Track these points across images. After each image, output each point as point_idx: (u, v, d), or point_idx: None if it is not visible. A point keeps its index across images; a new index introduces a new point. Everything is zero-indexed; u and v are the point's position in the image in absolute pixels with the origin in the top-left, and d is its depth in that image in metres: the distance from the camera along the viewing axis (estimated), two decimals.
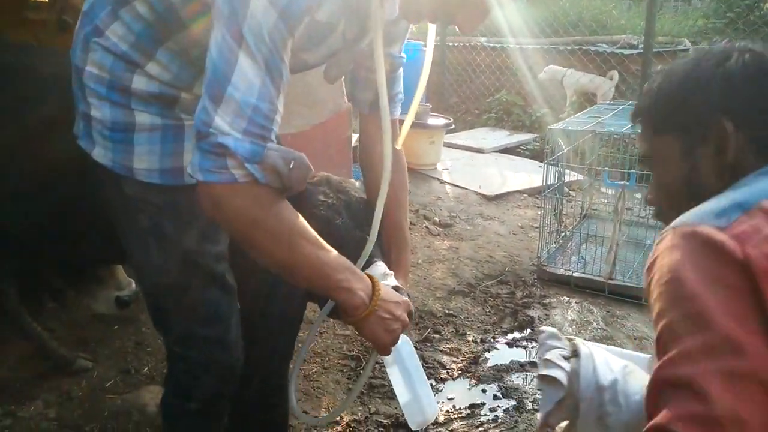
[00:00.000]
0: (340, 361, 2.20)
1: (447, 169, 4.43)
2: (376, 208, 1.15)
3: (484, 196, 3.90)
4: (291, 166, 0.88)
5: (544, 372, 1.01)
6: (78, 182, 1.19)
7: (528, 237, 3.37)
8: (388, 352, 1.11)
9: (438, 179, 4.19)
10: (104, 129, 1.05)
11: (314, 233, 0.97)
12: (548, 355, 1.02)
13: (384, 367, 1.39)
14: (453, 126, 4.50)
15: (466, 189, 4.00)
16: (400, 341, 1.32)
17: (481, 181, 4.10)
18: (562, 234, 3.23)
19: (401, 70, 1.37)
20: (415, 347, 2.30)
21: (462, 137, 5.41)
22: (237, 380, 1.24)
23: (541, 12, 6.59)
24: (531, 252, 3.13)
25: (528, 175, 4.34)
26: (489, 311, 2.60)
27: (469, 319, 2.52)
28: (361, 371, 1.25)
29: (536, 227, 3.37)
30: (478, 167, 4.53)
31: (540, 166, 4.12)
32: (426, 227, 3.35)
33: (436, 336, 2.38)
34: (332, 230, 1.34)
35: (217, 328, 1.16)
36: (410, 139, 4.34)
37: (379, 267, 1.28)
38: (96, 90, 1.04)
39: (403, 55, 1.36)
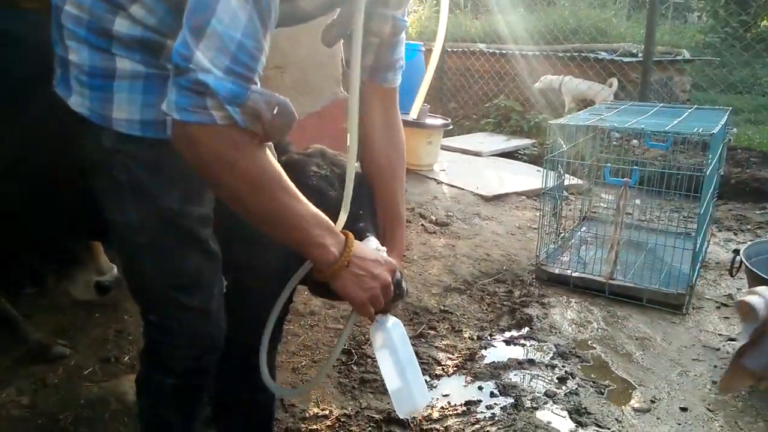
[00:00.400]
0: (330, 354, 2.11)
1: (444, 170, 4.37)
2: (346, 179, 1.09)
3: (481, 196, 3.83)
4: (275, 111, 0.82)
5: (743, 298, 0.92)
6: (57, 145, 1.12)
7: (526, 237, 3.30)
8: (366, 312, 1.05)
9: (435, 179, 4.13)
10: (82, 74, 0.97)
11: (293, 186, 0.92)
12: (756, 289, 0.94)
13: (376, 361, 1.31)
14: (451, 126, 4.44)
15: (464, 189, 3.93)
16: (390, 323, 1.24)
17: (478, 183, 4.04)
18: (561, 235, 3.17)
19: (404, 34, 1.30)
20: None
21: (460, 141, 5.36)
22: (218, 354, 1.16)
23: (540, 19, 6.59)
24: (529, 252, 3.06)
25: (526, 177, 4.28)
26: (486, 309, 2.52)
27: (466, 316, 2.43)
28: (340, 335, 1.16)
29: (534, 228, 3.31)
30: (476, 169, 4.47)
31: (538, 170, 4.08)
32: (422, 225, 3.27)
33: (431, 332, 2.29)
34: (324, 202, 1.26)
35: (197, 295, 1.07)
36: (408, 139, 4.29)
37: (371, 242, 1.21)
38: (74, 31, 0.96)
39: (406, 19, 1.29)
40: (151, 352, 1.14)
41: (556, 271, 2.78)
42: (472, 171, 4.40)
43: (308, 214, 0.93)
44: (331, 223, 0.99)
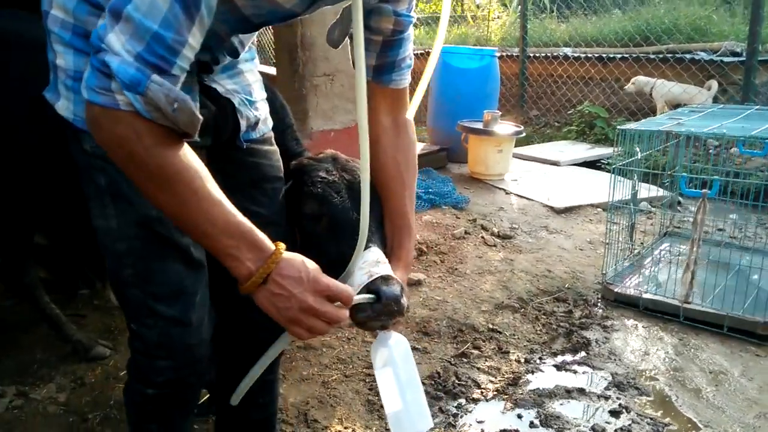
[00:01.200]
0: (364, 369, 2.03)
1: (516, 180, 4.17)
2: (361, 191, 1.01)
3: (551, 208, 3.60)
4: (174, 106, 0.78)
5: None
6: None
7: (596, 253, 3.05)
8: (295, 334, 0.95)
9: (504, 190, 3.94)
10: (67, 78, 0.98)
11: (210, 188, 0.86)
12: None
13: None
14: (523, 134, 4.23)
15: (533, 200, 3.72)
16: (392, 340, 1.15)
17: (550, 193, 3.81)
18: (635, 252, 2.89)
19: (410, 31, 1.21)
20: (449, 363, 2.12)
21: (537, 149, 5.11)
22: (202, 366, 1.12)
23: (631, 20, 6.18)
24: (597, 269, 2.82)
25: (605, 189, 3.97)
26: (539, 329, 2.33)
27: (515, 337, 2.27)
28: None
29: (607, 243, 3.05)
30: (551, 179, 4.23)
31: (620, 181, 3.78)
32: (482, 237, 3.12)
33: (475, 352, 2.15)
34: (327, 210, 1.20)
35: (176, 305, 1.04)
36: (477, 148, 4.17)
37: (372, 253, 1.12)
38: (60, 35, 0.97)
39: (413, 14, 1.20)
40: (133, 362, 1.12)
41: (625, 291, 2.53)
42: (546, 181, 4.16)
43: (221, 222, 0.86)
44: (258, 235, 0.91)
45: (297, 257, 0.95)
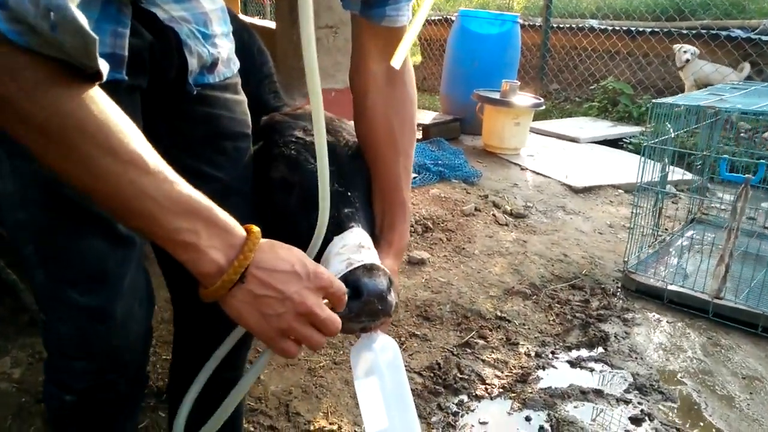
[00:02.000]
0: None
1: (532, 155, 3.91)
2: (317, 156, 0.78)
3: (569, 187, 3.35)
4: (52, 19, 0.52)
5: None
6: None
7: (617, 238, 2.81)
8: (279, 350, 0.73)
9: (519, 165, 3.69)
10: None
11: (139, 149, 0.62)
12: None
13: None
14: (543, 107, 3.95)
15: (550, 178, 3.47)
16: (378, 344, 0.93)
17: (568, 171, 3.55)
18: (660, 238, 2.65)
19: None
20: (451, 353, 1.90)
21: (556, 125, 4.83)
22: (136, 369, 0.91)
23: None
24: (617, 256, 2.59)
25: (628, 170, 3.71)
26: (553, 320, 2.11)
27: (526, 326, 2.05)
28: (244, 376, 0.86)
29: (628, 228, 2.81)
30: (569, 156, 3.96)
31: (647, 161, 3.52)
32: (493, 215, 2.88)
33: (480, 342, 1.94)
34: (300, 178, 0.97)
35: (96, 292, 0.82)
36: (493, 119, 3.89)
37: (354, 235, 0.90)
38: None
39: None
40: (48, 362, 0.90)
41: (648, 281, 2.30)
42: (565, 158, 3.90)
43: (163, 196, 0.63)
44: (220, 213, 0.68)
45: (277, 243, 0.73)
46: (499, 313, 2.10)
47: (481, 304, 2.14)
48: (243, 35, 1.15)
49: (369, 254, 0.87)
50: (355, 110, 1.02)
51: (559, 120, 5.13)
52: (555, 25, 5.97)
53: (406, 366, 1.73)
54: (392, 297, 0.85)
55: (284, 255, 0.71)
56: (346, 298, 0.78)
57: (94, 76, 0.59)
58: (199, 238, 0.65)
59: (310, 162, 0.96)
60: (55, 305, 0.82)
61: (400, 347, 1.85)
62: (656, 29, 5.23)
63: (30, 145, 0.59)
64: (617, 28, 5.50)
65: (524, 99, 3.87)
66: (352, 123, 1.07)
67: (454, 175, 3.22)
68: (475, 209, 2.90)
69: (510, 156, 3.85)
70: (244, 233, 0.70)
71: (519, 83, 3.90)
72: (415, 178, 3.07)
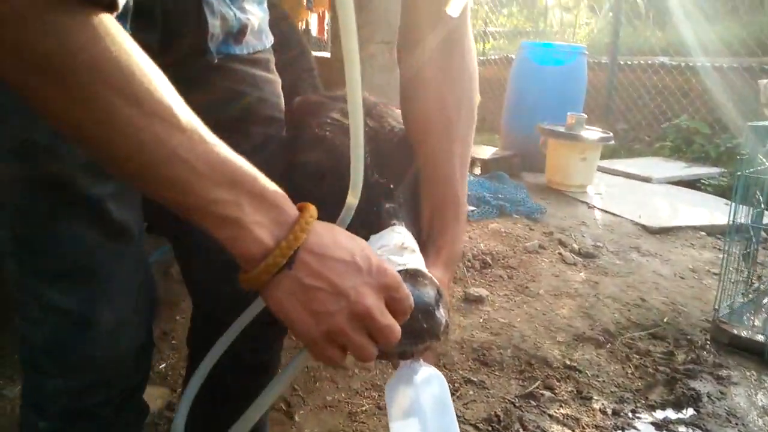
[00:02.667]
0: None
1: (600, 194, 3.63)
2: (350, 124, 0.64)
3: (644, 227, 3.06)
4: None
5: None
6: None
7: (702, 284, 2.49)
8: (322, 356, 0.59)
9: (586, 203, 3.42)
10: None
11: (170, 99, 0.49)
12: None
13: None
14: (612, 141, 3.69)
15: (621, 217, 3.18)
16: (421, 376, 0.74)
17: (642, 211, 3.26)
18: (754, 286, 2.33)
19: None
20: (512, 404, 1.65)
21: (625, 164, 4.54)
22: (119, 391, 0.74)
23: (744, 26, 5.49)
24: (704, 304, 2.28)
25: (709, 211, 3.39)
26: (631, 372, 1.83)
27: (600, 379, 1.78)
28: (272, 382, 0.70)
29: (715, 273, 2.50)
30: (642, 196, 3.66)
31: (727, 204, 3.20)
32: (559, 254, 2.63)
33: (547, 393, 1.68)
34: (334, 162, 0.80)
35: (79, 292, 0.66)
36: (557, 154, 3.65)
37: (395, 234, 0.72)
38: None
39: None
40: (24, 381, 0.75)
41: (743, 334, 1.98)
42: (637, 198, 3.61)
43: (198, 157, 0.49)
44: (267, 184, 0.55)
45: (337, 228, 0.61)
46: (568, 362, 1.84)
47: (548, 350, 1.88)
48: (281, 24, 1.02)
49: (413, 258, 0.69)
50: (402, 89, 0.85)
51: (628, 159, 4.83)
52: (622, 62, 5.72)
53: (459, 417, 1.50)
54: (441, 314, 0.67)
55: (344, 242, 0.57)
56: (412, 307, 0.61)
57: (109, 5, 0.44)
58: (243, 211, 0.52)
59: (346, 146, 0.79)
60: (28, 305, 0.67)
61: (453, 394, 1.62)
62: (735, 64, 4.90)
63: (27, 90, 0.46)
64: (690, 63, 5.20)
65: (592, 133, 3.63)
66: (399, 112, 0.90)
67: (515, 210, 3.00)
68: (539, 246, 2.66)
69: (576, 193, 3.59)
70: (295, 210, 0.56)
71: (586, 116, 3.67)
72: (473, 211, 2.86)
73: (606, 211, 3.29)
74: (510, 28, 9.43)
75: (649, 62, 5.54)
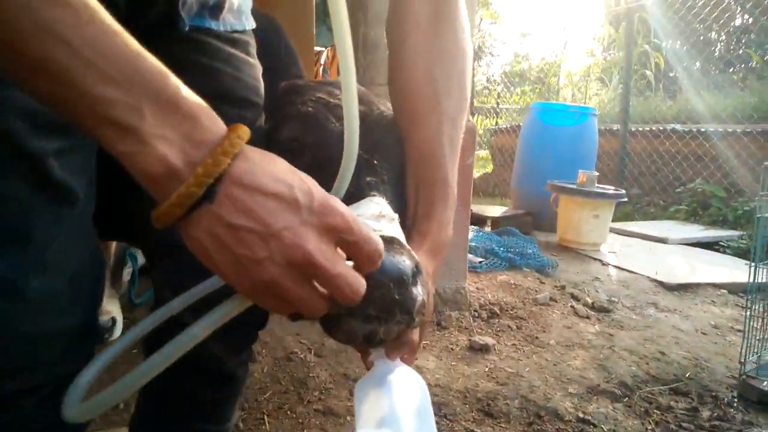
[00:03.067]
0: None
1: (614, 252, 3.52)
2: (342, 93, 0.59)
3: (661, 283, 2.92)
4: None
5: None
6: None
7: (725, 341, 2.33)
8: (277, 308, 0.51)
9: (600, 260, 3.31)
10: None
11: None
12: None
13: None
14: (624, 198, 3.62)
15: (637, 274, 3.06)
16: (397, 377, 0.65)
17: (658, 268, 3.13)
18: None
19: None
20: None
21: (639, 226, 4.44)
22: (52, 381, 0.65)
23: (754, 93, 5.52)
24: (729, 360, 2.12)
25: (729, 270, 3.26)
26: (652, 429, 1.67)
27: None
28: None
29: (738, 330, 2.35)
30: (658, 256, 3.54)
31: (747, 264, 3.08)
32: (571, 307, 2.50)
33: None
34: (314, 139, 0.75)
35: (6, 254, 0.58)
36: (569, 211, 3.57)
37: (373, 205, 0.66)
38: None
39: None
40: None
41: None
42: (653, 257, 3.49)
43: (85, 41, 0.41)
44: (184, 92, 0.47)
45: (276, 156, 0.51)
46: (581, 415, 1.68)
47: (558, 402, 1.73)
48: (268, 33, 1.00)
49: (391, 227, 0.62)
50: (390, 65, 0.81)
51: (643, 222, 4.73)
52: (633, 128, 5.75)
53: None
54: (418, 292, 0.58)
55: (281, 173, 0.48)
56: (382, 254, 0.53)
57: None
58: (143, 120, 0.43)
59: (331, 121, 0.74)
60: None
61: None
62: (748, 129, 4.88)
63: None
64: (702, 129, 5.19)
65: (603, 190, 3.57)
66: (389, 104, 0.86)
67: (525, 263, 2.89)
68: (550, 299, 2.54)
69: (589, 251, 3.48)
70: (220, 129, 0.47)
71: (597, 174, 3.62)
72: (480, 262, 2.77)
73: (621, 268, 3.17)
74: (522, 106, 9.64)
75: (661, 128, 5.55)
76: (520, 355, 2.00)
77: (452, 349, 1.98)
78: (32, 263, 0.59)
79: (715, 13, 6.03)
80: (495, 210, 4.02)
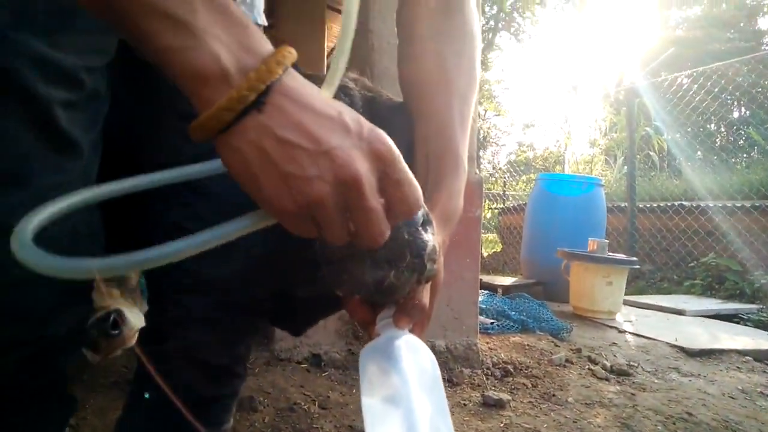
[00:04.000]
0: None
1: (631, 321, 3.41)
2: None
3: (682, 349, 2.80)
4: None
5: None
6: None
7: (755, 405, 2.19)
8: (293, 224, 0.47)
9: (616, 328, 3.20)
10: None
11: None
12: None
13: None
14: (637, 265, 3.55)
15: (656, 340, 2.94)
16: (405, 344, 0.61)
17: (678, 335, 3.01)
18: None
19: None
20: None
21: (655, 299, 4.33)
22: (32, 340, 0.60)
23: (758, 172, 5.58)
24: (762, 423, 1.98)
25: (752, 338, 3.13)
26: None
27: None
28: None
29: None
30: (676, 324, 3.42)
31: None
32: (589, 369, 2.38)
33: None
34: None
35: (3, 196, 0.56)
36: (581, 278, 3.51)
37: None
38: None
39: None
40: None
41: None
42: (671, 325, 3.37)
43: None
44: (234, 6, 0.46)
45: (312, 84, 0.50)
46: None
47: None
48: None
49: None
50: (399, 49, 0.82)
51: (658, 295, 4.62)
52: (641, 205, 5.76)
53: None
54: (429, 238, 0.55)
55: (328, 98, 0.47)
56: (421, 205, 0.50)
57: None
58: (195, 14, 0.42)
59: (342, 99, 0.74)
60: None
61: None
62: (757, 203, 4.88)
63: None
64: (711, 204, 5.20)
65: (615, 256, 3.52)
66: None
67: (539, 327, 2.79)
68: (566, 361, 2.42)
69: (604, 320, 3.37)
70: (269, 43, 0.46)
71: (608, 241, 3.58)
72: (492, 323, 2.68)
73: (638, 335, 3.05)
74: (528, 192, 9.77)
75: (669, 204, 5.56)
76: (537, 412, 1.87)
77: (464, 404, 1.87)
78: (30, 207, 0.57)
79: (713, 107, 6.22)
80: (506, 280, 3.96)
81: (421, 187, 0.73)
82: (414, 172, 0.74)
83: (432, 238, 0.57)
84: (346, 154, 0.45)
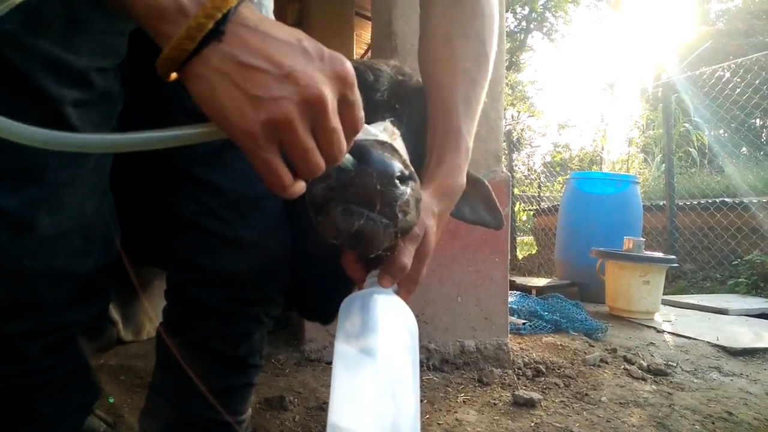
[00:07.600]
0: None
1: (670, 321, 3.32)
2: None
3: (723, 348, 2.71)
4: None
5: None
6: None
7: None
8: (266, 166, 0.48)
9: (654, 328, 3.12)
10: None
11: None
12: None
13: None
14: (675, 264, 3.46)
15: (696, 339, 2.86)
16: (384, 301, 0.63)
17: (719, 335, 2.92)
18: None
19: None
20: None
21: (696, 298, 4.21)
22: (54, 328, 0.63)
23: None
24: None
25: None
26: None
27: None
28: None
29: None
30: (718, 324, 3.32)
31: None
32: (624, 368, 2.33)
33: None
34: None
35: (21, 192, 0.59)
36: (617, 278, 3.44)
37: (379, 124, 0.68)
38: None
39: None
40: None
41: None
42: (713, 325, 3.27)
43: None
44: None
45: (273, 20, 0.52)
46: None
47: None
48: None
49: (389, 139, 0.63)
50: (419, 37, 0.86)
51: (700, 295, 4.49)
52: (681, 203, 5.60)
53: None
54: (404, 192, 0.57)
55: (284, 28, 0.49)
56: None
57: None
58: None
59: (368, 76, 0.78)
60: None
61: None
62: None
63: None
64: (755, 201, 5.02)
65: (652, 255, 3.43)
66: None
67: (572, 327, 2.75)
68: (601, 360, 2.38)
69: (642, 320, 3.30)
70: None
71: (644, 239, 3.50)
72: (524, 324, 2.65)
73: (677, 335, 2.97)
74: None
75: (710, 202, 5.40)
76: (569, 412, 1.85)
77: (495, 404, 1.85)
78: (44, 201, 0.60)
79: (755, 100, 6.00)
80: (540, 281, 3.91)
81: (424, 163, 0.76)
82: (423, 149, 0.78)
83: (409, 192, 0.59)
84: (309, 76, 0.47)
